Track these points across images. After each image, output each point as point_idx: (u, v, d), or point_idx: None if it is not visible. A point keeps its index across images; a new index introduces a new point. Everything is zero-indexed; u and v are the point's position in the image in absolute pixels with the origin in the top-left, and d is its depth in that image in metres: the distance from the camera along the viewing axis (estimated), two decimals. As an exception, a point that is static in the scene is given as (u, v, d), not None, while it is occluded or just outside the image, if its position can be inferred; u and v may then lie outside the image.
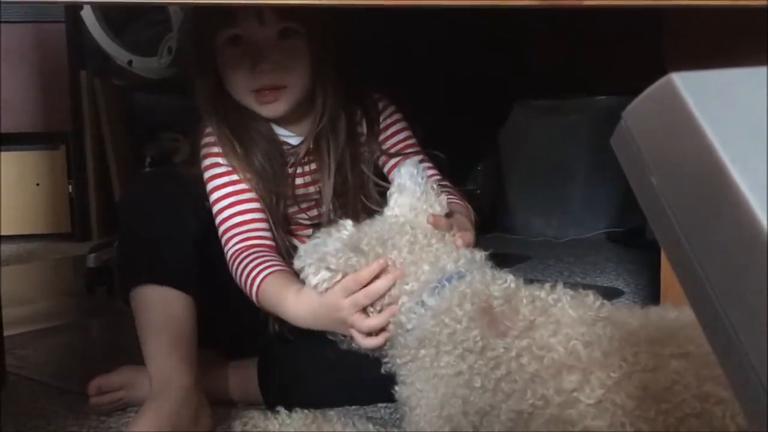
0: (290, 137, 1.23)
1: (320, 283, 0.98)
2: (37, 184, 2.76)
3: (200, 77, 1.19)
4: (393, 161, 1.24)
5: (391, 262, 0.97)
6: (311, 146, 1.21)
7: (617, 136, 0.39)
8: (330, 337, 1.06)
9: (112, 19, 2.18)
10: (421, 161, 1.22)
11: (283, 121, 1.21)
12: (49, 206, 2.76)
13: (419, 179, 1.03)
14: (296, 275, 1.05)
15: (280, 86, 1.15)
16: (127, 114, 2.70)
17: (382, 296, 0.97)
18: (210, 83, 1.18)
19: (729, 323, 0.31)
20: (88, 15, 2.15)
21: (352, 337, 1.01)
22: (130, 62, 2.17)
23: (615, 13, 2.10)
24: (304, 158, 1.22)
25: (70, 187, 2.75)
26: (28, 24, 2.72)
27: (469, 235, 1.02)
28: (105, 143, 2.67)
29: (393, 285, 0.96)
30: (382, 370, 1.00)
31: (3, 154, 2.65)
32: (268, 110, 1.17)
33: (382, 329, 0.98)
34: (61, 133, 2.75)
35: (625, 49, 2.38)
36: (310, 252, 0.99)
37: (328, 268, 0.97)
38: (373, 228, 1.01)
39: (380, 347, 0.98)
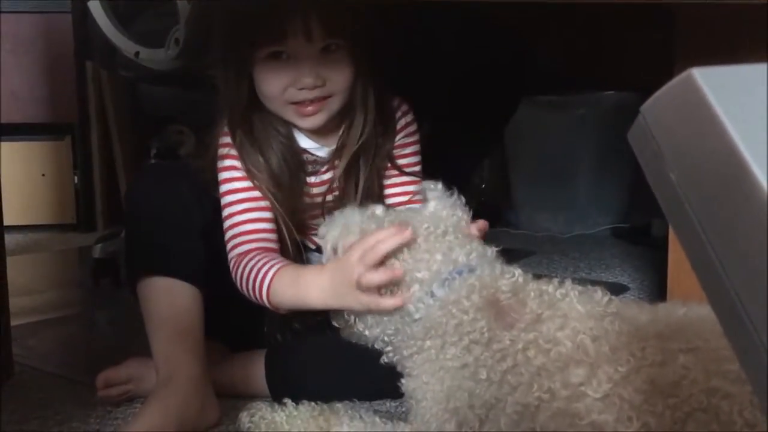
0: (314, 148, 1.21)
1: (338, 245, 0.99)
2: (43, 175, 2.76)
3: (233, 90, 1.16)
4: (395, 180, 1.23)
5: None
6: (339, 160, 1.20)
7: (635, 131, 0.38)
8: (334, 323, 1.06)
9: (120, 10, 2.18)
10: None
11: (312, 131, 1.19)
12: (54, 197, 2.76)
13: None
14: None
15: (322, 98, 1.13)
16: (133, 105, 2.70)
17: (396, 280, 0.97)
18: (243, 97, 1.15)
19: (749, 320, 0.31)
20: (95, 6, 2.15)
21: (356, 319, 1.01)
22: (136, 54, 2.16)
23: (623, 8, 2.09)
24: (323, 168, 1.22)
25: (75, 177, 2.75)
26: (34, 14, 2.72)
27: (484, 223, 1.03)
28: (111, 134, 2.67)
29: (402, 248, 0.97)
30: (382, 360, 1.00)
31: (9, 144, 2.65)
32: (308, 122, 1.15)
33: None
34: (66, 124, 2.75)
35: (632, 44, 2.37)
36: (335, 221, 1.00)
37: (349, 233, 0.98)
38: (393, 215, 1.03)
39: (400, 306, 0.98)
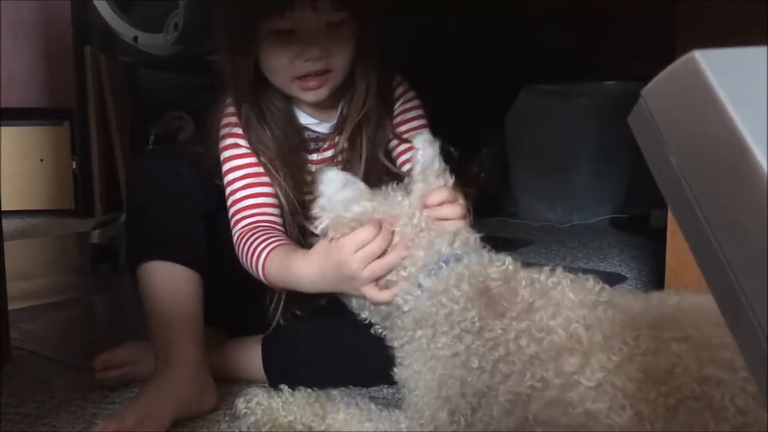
0: (314, 124, 1.22)
1: (327, 231, 0.98)
2: (41, 160, 2.76)
3: (240, 64, 1.16)
4: (404, 147, 1.23)
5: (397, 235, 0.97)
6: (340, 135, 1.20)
7: (635, 115, 0.38)
8: (343, 300, 1.05)
9: (119, -6, 2.17)
10: None
11: (312, 106, 1.20)
12: (52, 182, 2.76)
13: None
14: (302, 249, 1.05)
15: (326, 71, 1.14)
16: (132, 91, 2.70)
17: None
18: (250, 70, 1.16)
19: (748, 304, 0.31)
20: (94, -10, 2.14)
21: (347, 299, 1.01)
22: (135, 38, 2.16)
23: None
24: (324, 145, 1.22)
25: (73, 163, 2.75)
26: (33, -1, 2.71)
27: (458, 209, 1.00)
28: (109, 120, 2.67)
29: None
30: (378, 331, 1.00)
31: (7, 129, 2.65)
32: (311, 96, 1.16)
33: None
34: (65, 109, 2.75)
35: (633, 34, 2.37)
36: (327, 205, 0.98)
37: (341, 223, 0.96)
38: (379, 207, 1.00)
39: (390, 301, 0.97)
